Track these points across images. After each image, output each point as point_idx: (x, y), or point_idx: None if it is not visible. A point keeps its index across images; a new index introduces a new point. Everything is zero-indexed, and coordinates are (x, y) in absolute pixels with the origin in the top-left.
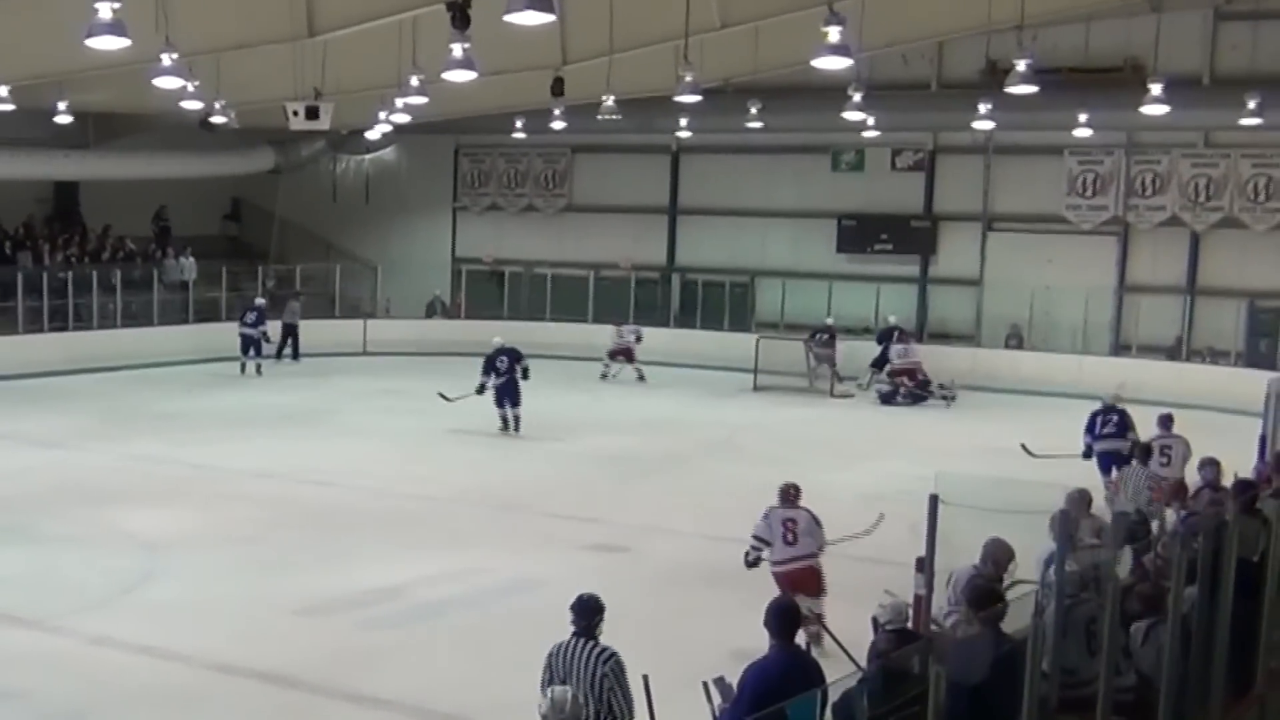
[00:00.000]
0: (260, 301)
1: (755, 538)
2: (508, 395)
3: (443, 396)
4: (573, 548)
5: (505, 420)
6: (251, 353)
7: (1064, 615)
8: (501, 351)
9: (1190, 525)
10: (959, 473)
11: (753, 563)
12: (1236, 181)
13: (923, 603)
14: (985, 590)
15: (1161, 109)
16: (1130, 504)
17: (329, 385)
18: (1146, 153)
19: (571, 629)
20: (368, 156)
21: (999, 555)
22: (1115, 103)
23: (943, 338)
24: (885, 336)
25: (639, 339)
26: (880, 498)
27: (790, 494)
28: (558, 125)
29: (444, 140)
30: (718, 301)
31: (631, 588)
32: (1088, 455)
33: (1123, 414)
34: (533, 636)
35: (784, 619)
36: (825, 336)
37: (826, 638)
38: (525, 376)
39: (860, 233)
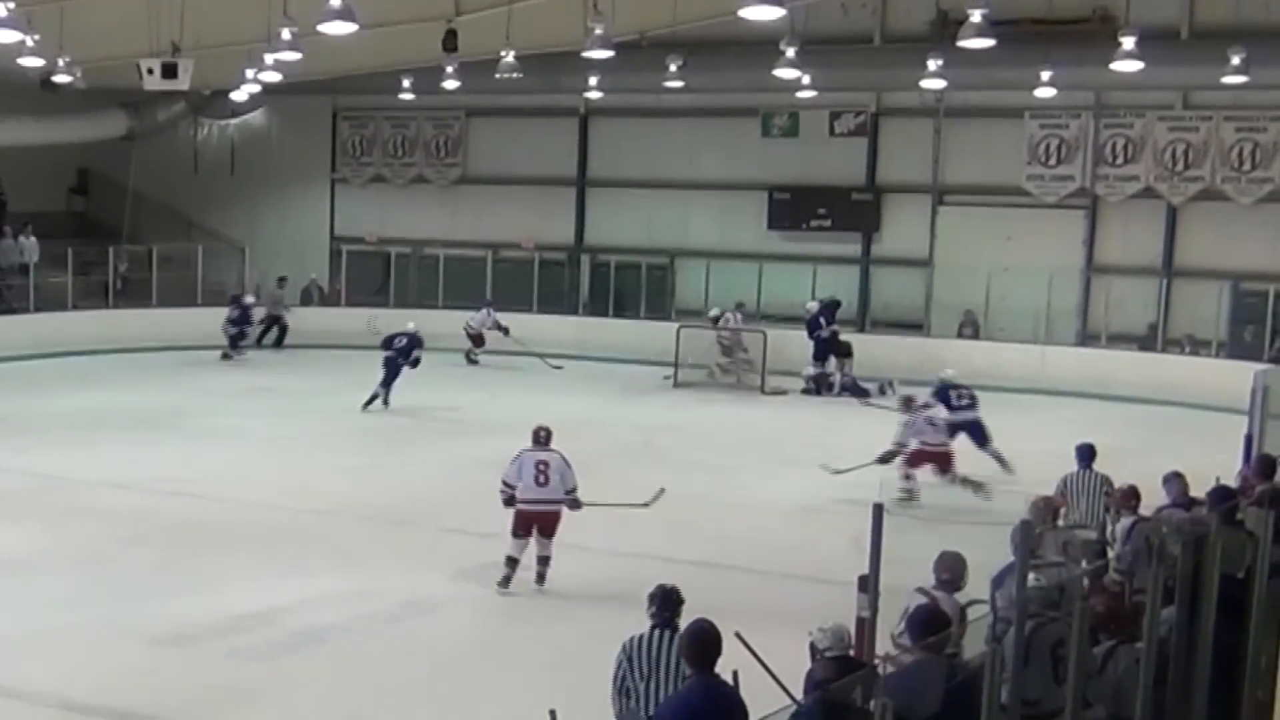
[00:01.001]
0: (249, 300)
1: (504, 482)
2: (387, 373)
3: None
4: (470, 566)
5: (374, 396)
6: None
7: (1025, 640)
8: (406, 334)
9: (1145, 530)
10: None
11: (507, 502)
12: (1219, 148)
13: (866, 626)
14: (930, 613)
15: (1134, 65)
16: (1086, 515)
17: (192, 382)
18: (1118, 115)
19: (650, 622)
20: (233, 121)
21: (955, 570)
22: (1082, 58)
23: (887, 325)
24: (815, 325)
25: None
26: (819, 509)
27: (541, 436)
28: (450, 85)
29: (320, 102)
30: (633, 286)
31: (531, 612)
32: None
33: (972, 390)
34: (426, 666)
35: (703, 647)
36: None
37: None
38: (413, 365)
39: (794, 207)
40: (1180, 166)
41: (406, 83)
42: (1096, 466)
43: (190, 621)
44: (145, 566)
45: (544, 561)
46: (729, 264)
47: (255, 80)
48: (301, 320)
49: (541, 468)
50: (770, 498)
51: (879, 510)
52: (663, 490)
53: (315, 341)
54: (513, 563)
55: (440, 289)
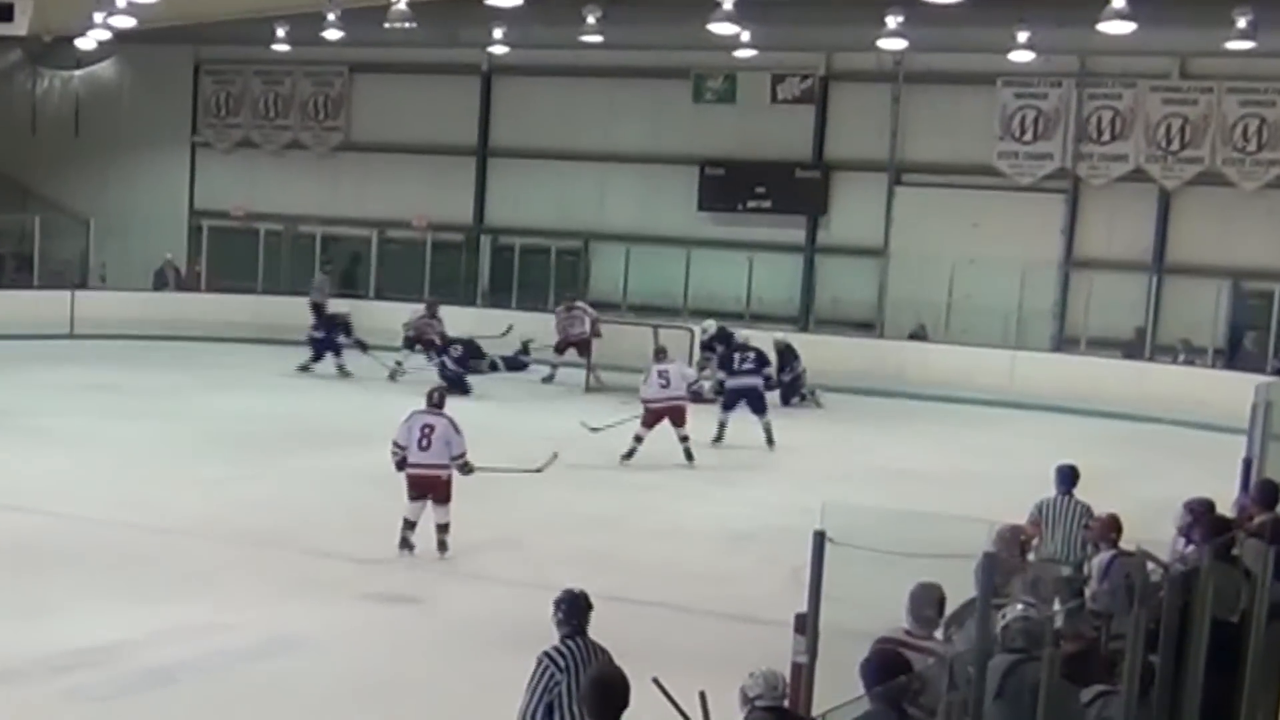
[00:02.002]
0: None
1: (394, 442)
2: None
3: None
4: (344, 597)
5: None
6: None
7: (998, 683)
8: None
9: (1126, 567)
10: (852, 503)
11: (399, 465)
12: (1220, 124)
13: (803, 672)
14: (885, 657)
15: (1125, 26)
16: (1061, 547)
17: (24, 378)
18: (1105, 85)
19: (563, 631)
20: (78, 73)
21: (928, 608)
22: (1065, 17)
23: (835, 325)
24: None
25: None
26: (750, 536)
27: (434, 398)
28: (332, 36)
29: (180, 53)
30: (540, 273)
31: (420, 650)
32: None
33: (760, 351)
34: (291, 712)
35: (607, 696)
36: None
37: None
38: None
39: (729, 185)
40: (1176, 145)
41: (281, 32)
42: (1076, 493)
43: (17, 655)
44: None
45: (442, 529)
46: (652, 249)
47: (104, 25)
48: (156, 308)
49: (426, 431)
50: (694, 522)
51: (820, 539)
52: (556, 455)
53: (169, 333)
54: (409, 524)
55: (317, 274)
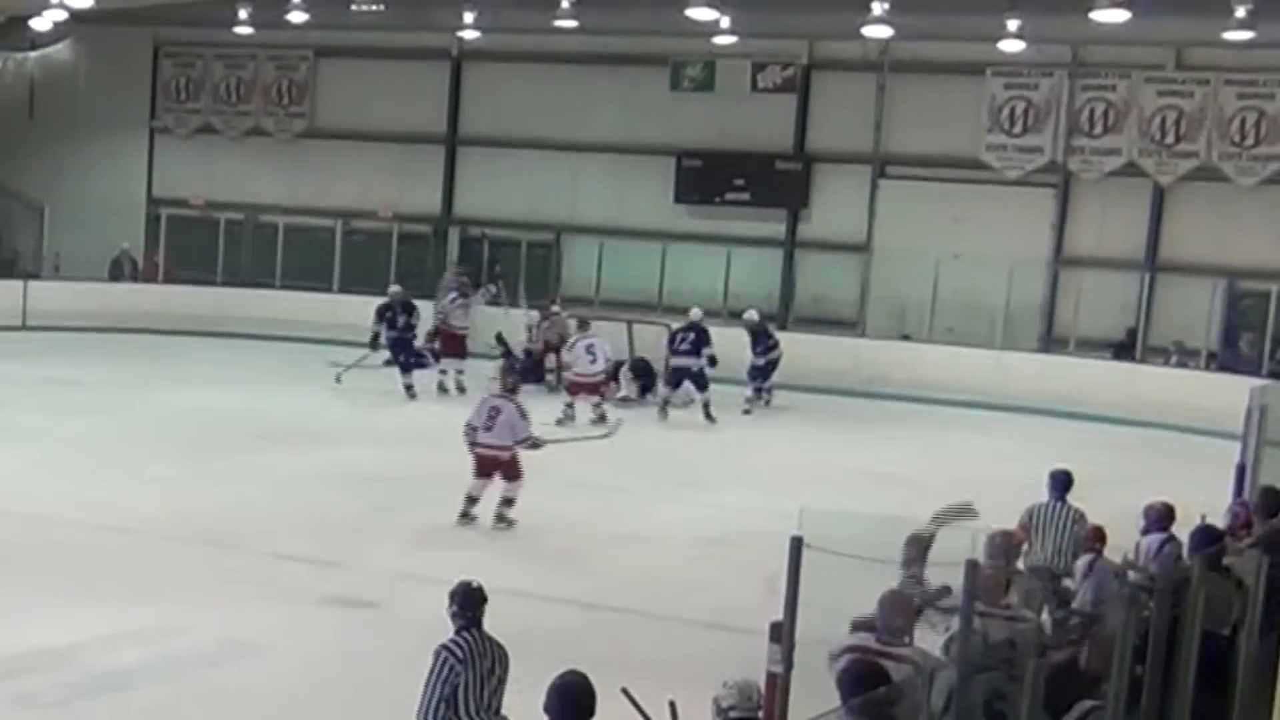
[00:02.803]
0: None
1: (468, 423)
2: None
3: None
4: (302, 601)
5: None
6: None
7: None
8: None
9: (1106, 570)
10: (830, 508)
11: (472, 444)
12: (1216, 118)
13: (779, 683)
14: (861, 668)
15: (1119, 15)
16: (1052, 554)
17: None
18: (1098, 75)
19: (458, 623)
20: (33, 54)
21: (898, 617)
22: (1058, 5)
23: (815, 323)
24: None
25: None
26: (724, 541)
27: (508, 384)
28: (296, 18)
29: (139, 35)
30: (510, 266)
31: (380, 657)
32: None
33: (700, 331)
34: (247, 718)
35: (572, 705)
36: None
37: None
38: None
39: (707, 177)
40: (1171, 139)
41: (243, 14)
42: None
43: None
44: None
45: (505, 503)
46: (626, 243)
47: (60, 5)
48: (112, 299)
49: (492, 413)
50: (666, 526)
51: (797, 545)
52: (620, 421)
53: (126, 325)
54: (470, 500)
55: (279, 265)
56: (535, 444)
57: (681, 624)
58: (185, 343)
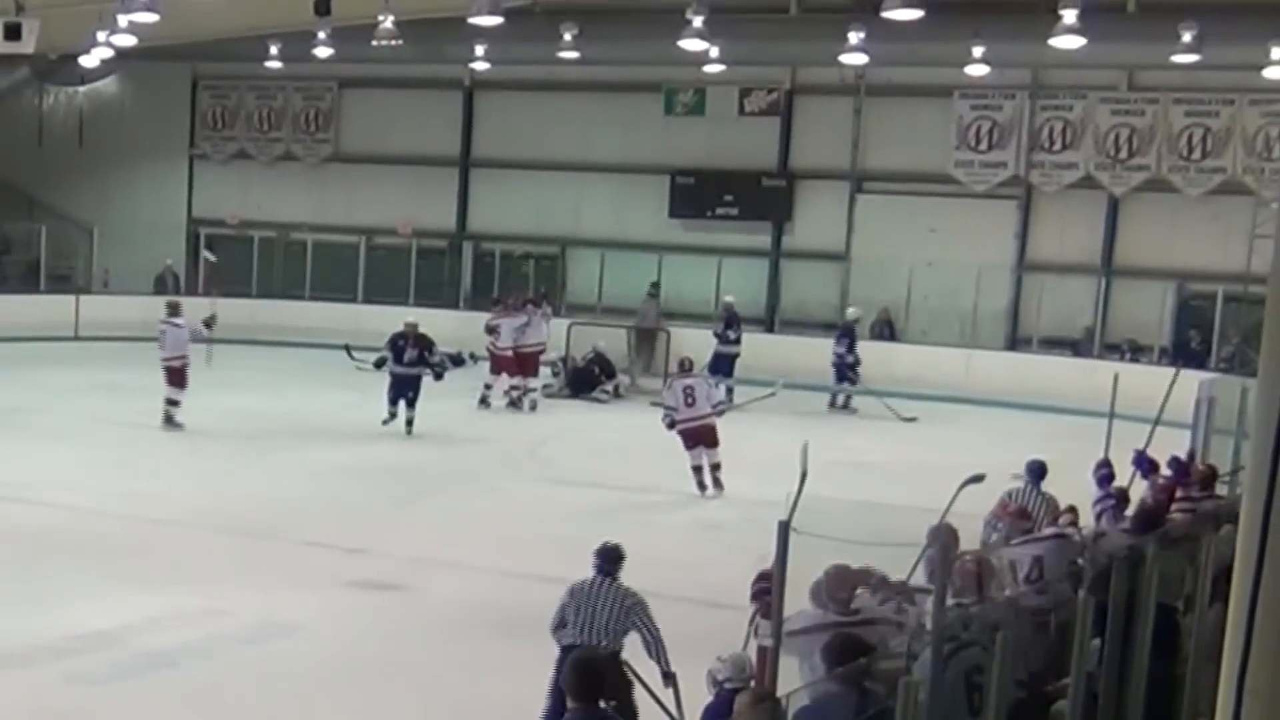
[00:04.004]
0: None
1: (665, 406)
2: (407, 388)
3: (349, 351)
4: (332, 584)
5: (393, 415)
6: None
7: (941, 670)
8: (410, 336)
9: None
10: (815, 495)
11: (670, 426)
12: (1166, 134)
13: (769, 656)
14: (845, 640)
15: (1075, 41)
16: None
17: (30, 378)
18: (1056, 96)
19: (595, 570)
20: (82, 89)
21: (841, 588)
22: (1019, 33)
23: (799, 326)
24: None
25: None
26: (720, 526)
27: (685, 365)
28: (322, 53)
29: (179, 70)
30: (520, 277)
31: (405, 636)
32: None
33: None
34: (284, 693)
35: (584, 679)
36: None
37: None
38: (439, 376)
39: (699, 193)
40: (1124, 154)
41: (274, 49)
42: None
43: (23, 641)
44: None
45: (715, 468)
46: (626, 255)
47: (107, 44)
48: (157, 311)
49: (688, 390)
50: (666, 513)
51: (784, 529)
52: (781, 382)
53: None
54: (698, 470)
55: (308, 278)
56: (721, 411)
57: (681, 602)
58: (223, 350)
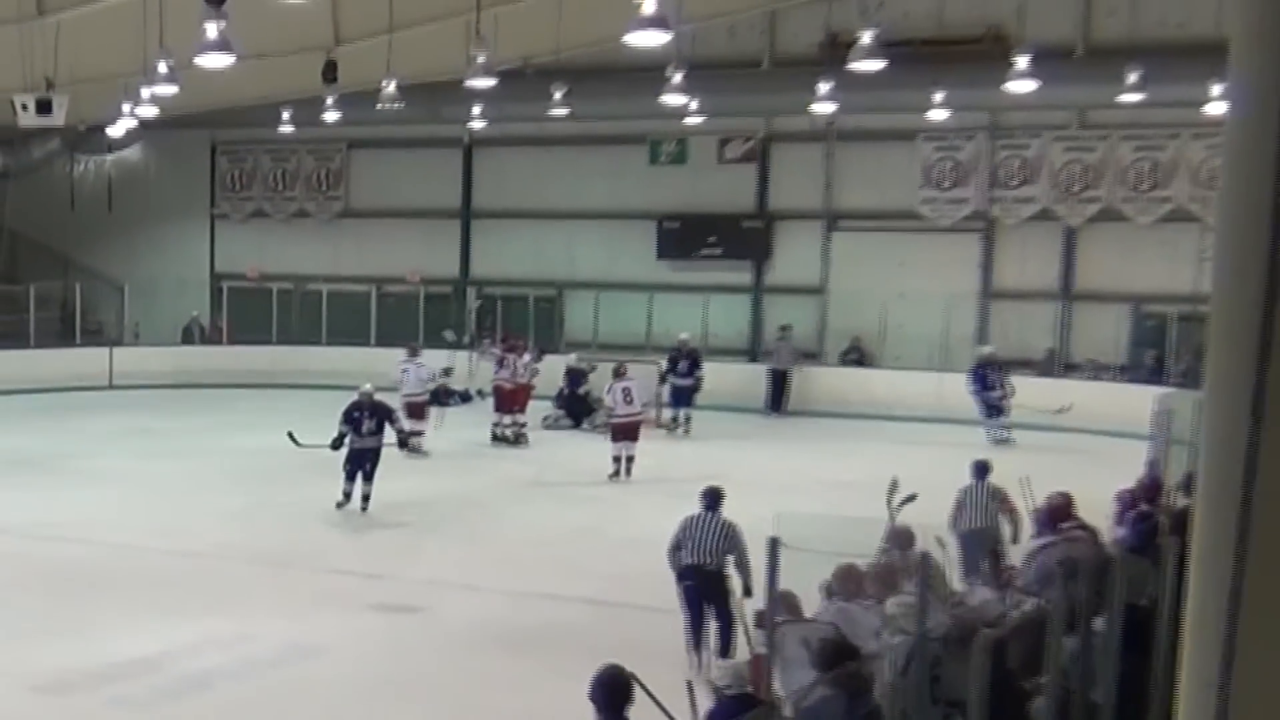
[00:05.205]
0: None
1: (604, 406)
2: (366, 462)
3: (291, 437)
4: (354, 608)
5: (348, 496)
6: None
7: (924, 669)
8: (366, 406)
9: (1055, 555)
10: (801, 512)
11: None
12: (1116, 167)
13: (763, 662)
14: (836, 644)
15: (1029, 85)
16: (980, 518)
17: (68, 425)
18: (1013, 136)
19: (702, 507)
20: (110, 157)
21: (849, 583)
22: (976, 79)
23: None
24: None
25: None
26: None
27: (621, 370)
28: (331, 117)
29: (199, 136)
30: (520, 318)
31: (423, 653)
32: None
33: (695, 355)
34: (314, 710)
35: (613, 692)
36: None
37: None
38: (403, 445)
39: (684, 236)
40: (1078, 187)
41: (286, 115)
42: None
43: (69, 668)
44: (19, 612)
45: (630, 460)
46: (618, 295)
47: (132, 115)
48: (185, 360)
49: (627, 391)
50: (663, 532)
51: (774, 545)
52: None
53: (198, 381)
54: (618, 460)
55: (324, 325)
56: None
57: (674, 615)
58: (247, 394)
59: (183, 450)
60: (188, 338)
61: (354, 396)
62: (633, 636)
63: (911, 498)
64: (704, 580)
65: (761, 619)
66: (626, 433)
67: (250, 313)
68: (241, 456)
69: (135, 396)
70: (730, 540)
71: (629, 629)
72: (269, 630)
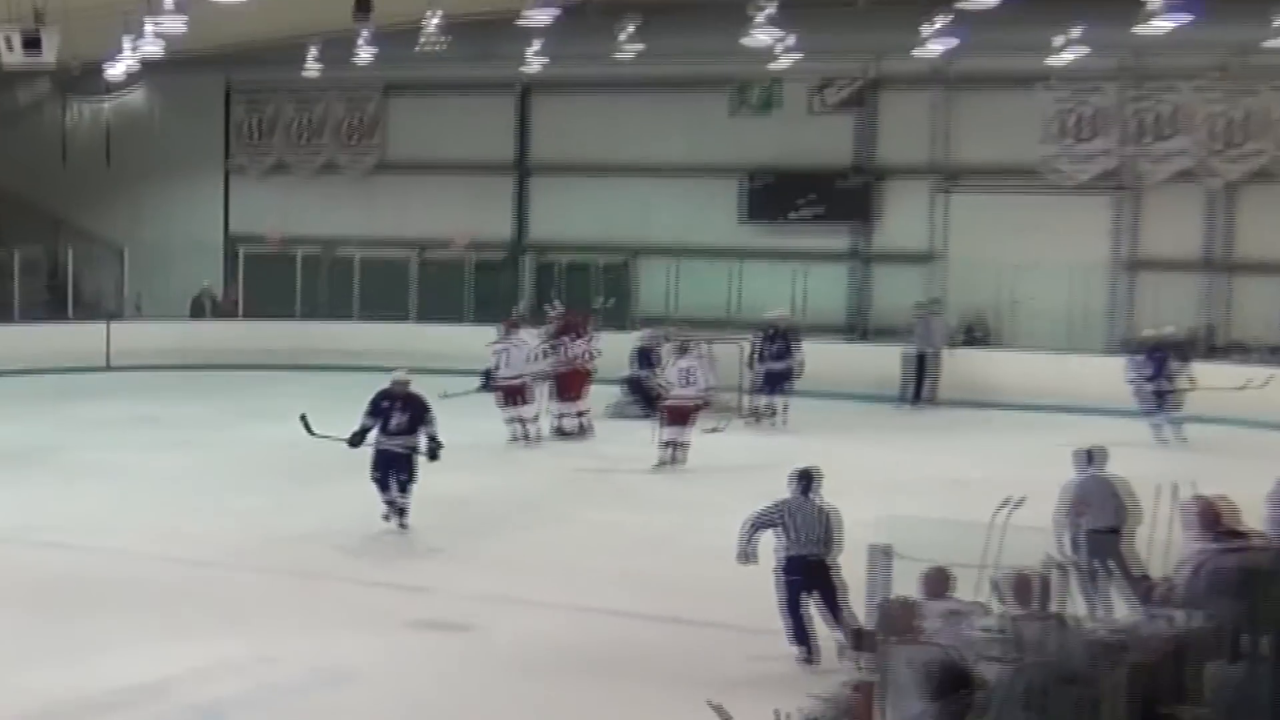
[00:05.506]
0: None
1: (660, 385)
2: (395, 468)
3: (304, 422)
4: (393, 626)
5: (391, 506)
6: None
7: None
8: (398, 397)
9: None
10: (910, 515)
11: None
12: (1269, 118)
13: (868, 691)
14: (946, 671)
15: (1177, 19)
16: (1111, 515)
17: (60, 412)
18: (1158, 79)
19: (797, 491)
20: (108, 101)
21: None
22: (1114, 15)
23: (888, 334)
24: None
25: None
26: None
27: (685, 347)
28: (364, 57)
29: (211, 79)
30: (585, 289)
31: (475, 679)
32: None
33: (791, 334)
34: None
35: None
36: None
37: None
38: (433, 455)
39: (774, 194)
40: (1238, 138)
41: (312, 54)
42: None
43: (62, 695)
44: (7, 630)
45: (684, 447)
46: (698, 262)
47: (133, 53)
48: (194, 337)
49: (688, 372)
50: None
51: (886, 556)
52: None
53: (207, 362)
54: (668, 445)
55: (355, 297)
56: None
57: (765, 635)
58: (266, 376)
59: (192, 442)
60: (197, 311)
61: (385, 384)
62: (716, 661)
63: (1020, 502)
64: (809, 573)
65: (861, 639)
66: (680, 417)
67: (270, 282)
68: (258, 449)
69: (136, 379)
70: (830, 526)
71: (711, 652)
72: (291, 652)
